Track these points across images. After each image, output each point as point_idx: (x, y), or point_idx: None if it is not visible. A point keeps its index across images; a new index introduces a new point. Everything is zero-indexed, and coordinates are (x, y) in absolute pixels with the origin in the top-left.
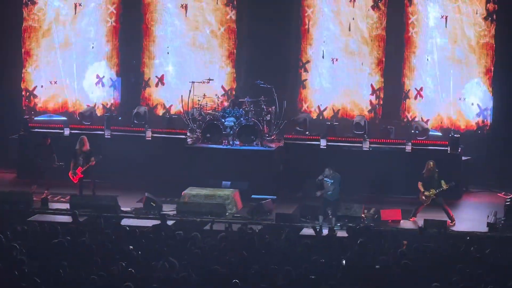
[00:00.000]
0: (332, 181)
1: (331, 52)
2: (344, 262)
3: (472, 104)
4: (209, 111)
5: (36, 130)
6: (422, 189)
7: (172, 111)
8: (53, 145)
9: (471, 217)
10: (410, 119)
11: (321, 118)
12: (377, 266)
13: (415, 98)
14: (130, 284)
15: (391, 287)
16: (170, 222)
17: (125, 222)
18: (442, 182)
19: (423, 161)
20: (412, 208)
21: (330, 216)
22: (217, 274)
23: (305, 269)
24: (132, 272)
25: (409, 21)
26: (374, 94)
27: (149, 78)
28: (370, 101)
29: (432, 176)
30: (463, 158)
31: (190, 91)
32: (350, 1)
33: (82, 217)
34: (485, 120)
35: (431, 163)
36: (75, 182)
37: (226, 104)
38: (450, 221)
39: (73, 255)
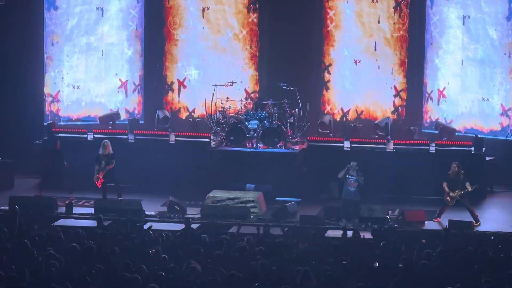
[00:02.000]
0: (356, 177)
1: (354, 53)
2: (377, 264)
3: (496, 104)
4: (232, 114)
5: (59, 135)
6: (447, 190)
7: (195, 114)
8: (62, 149)
9: (495, 217)
10: (433, 120)
11: (344, 119)
12: (400, 265)
13: (438, 98)
14: (155, 286)
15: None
16: (194, 226)
17: (148, 225)
18: (467, 184)
19: (447, 162)
20: (437, 209)
21: (354, 218)
22: (241, 278)
23: (327, 270)
24: (159, 275)
25: (431, 22)
26: (397, 95)
27: (172, 82)
28: (393, 102)
29: (457, 177)
30: (487, 158)
31: (213, 94)
32: (372, 2)
33: (107, 221)
34: (509, 119)
35: (456, 164)
36: (99, 186)
37: (249, 107)
38: (475, 222)
39: (98, 259)
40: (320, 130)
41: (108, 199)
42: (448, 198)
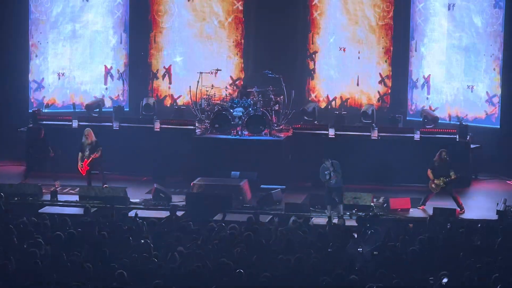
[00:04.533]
0: (332, 168)
1: (339, 41)
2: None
3: (481, 92)
4: (217, 102)
5: (44, 122)
6: (431, 177)
7: (180, 102)
8: (47, 137)
9: (480, 205)
10: (418, 107)
11: (329, 107)
12: (375, 253)
13: (423, 86)
14: (122, 272)
15: (398, 274)
16: (179, 213)
17: (132, 213)
18: (452, 172)
19: (432, 149)
20: (422, 196)
21: (338, 204)
22: (228, 266)
23: (313, 258)
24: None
25: (416, 9)
26: (382, 83)
27: (158, 70)
28: (378, 90)
29: (443, 165)
30: (472, 146)
31: (198, 81)
32: None
33: (92, 209)
34: (494, 107)
35: (444, 152)
36: (83, 174)
37: (234, 94)
38: (459, 209)
39: (83, 247)
40: (305, 118)
41: (93, 186)
42: (433, 185)
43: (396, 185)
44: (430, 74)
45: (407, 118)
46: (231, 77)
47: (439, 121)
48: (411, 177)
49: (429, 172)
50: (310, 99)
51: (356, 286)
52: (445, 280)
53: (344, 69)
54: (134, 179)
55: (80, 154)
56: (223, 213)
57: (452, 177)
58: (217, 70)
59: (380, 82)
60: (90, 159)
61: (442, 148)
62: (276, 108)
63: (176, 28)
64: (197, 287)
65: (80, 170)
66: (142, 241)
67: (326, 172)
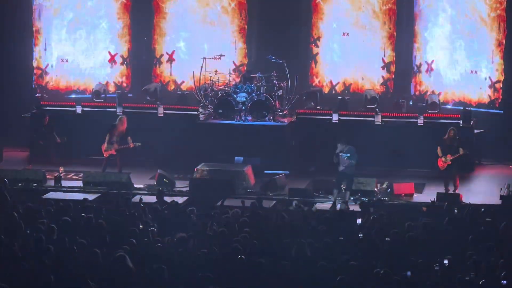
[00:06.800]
0: (349, 154)
1: (342, 26)
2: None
3: (484, 77)
4: (221, 87)
5: (48, 108)
6: (440, 154)
7: (184, 87)
8: (52, 123)
9: (483, 190)
10: (421, 93)
11: (333, 92)
12: (387, 239)
13: (426, 71)
14: (123, 254)
15: (401, 260)
16: (182, 199)
17: (137, 199)
18: (460, 148)
19: (436, 134)
20: (425, 181)
21: (344, 191)
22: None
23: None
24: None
25: None
26: (386, 68)
27: (161, 55)
28: (382, 75)
29: (452, 142)
30: (475, 131)
31: (201, 67)
32: None
33: (95, 194)
34: (497, 93)
35: (453, 130)
36: (105, 156)
37: (237, 80)
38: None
39: (85, 232)
40: (311, 103)
41: (96, 172)
42: (440, 162)
43: (400, 170)
44: (433, 60)
45: (410, 103)
46: (234, 62)
47: (442, 106)
48: (415, 162)
49: (439, 149)
50: (313, 84)
51: (358, 272)
52: (445, 261)
53: (347, 54)
54: (137, 164)
55: (108, 136)
56: (222, 199)
57: (460, 153)
58: (221, 55)
59: (383, 68)
60: (122, 147)
61: (452, 127)
62: (280, 93)
63: (180, 13)
64: (203, 273)
65: (103, 151)
66: (142, 226)
67: (341, 155)
